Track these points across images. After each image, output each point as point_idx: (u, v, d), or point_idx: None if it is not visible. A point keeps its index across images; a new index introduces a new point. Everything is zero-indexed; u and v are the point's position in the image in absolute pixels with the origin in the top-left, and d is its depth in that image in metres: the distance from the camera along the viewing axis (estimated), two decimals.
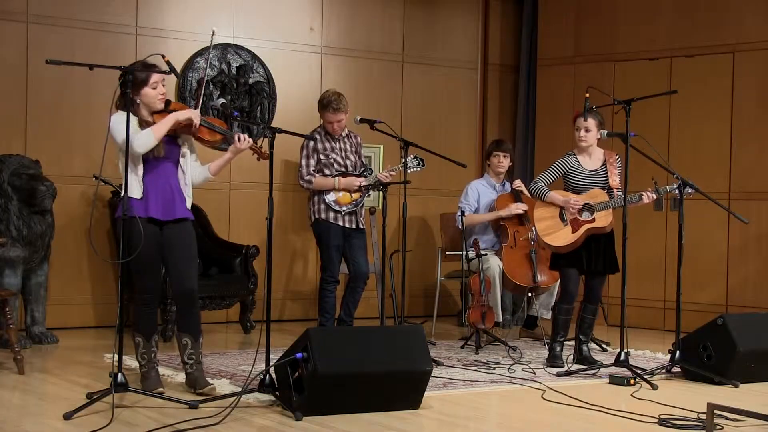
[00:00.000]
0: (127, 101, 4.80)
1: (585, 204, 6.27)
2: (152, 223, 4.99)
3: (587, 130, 6.29)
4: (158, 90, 5.01)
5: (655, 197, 6.20)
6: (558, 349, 6.30)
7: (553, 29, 9.38)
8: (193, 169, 5.19)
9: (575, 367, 6.11)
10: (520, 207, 7.45)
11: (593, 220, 6.23)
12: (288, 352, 4.75)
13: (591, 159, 6.37)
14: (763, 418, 4.34)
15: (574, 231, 6.23)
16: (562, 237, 6.25)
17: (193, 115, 5.00)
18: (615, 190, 6.29)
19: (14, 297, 6.46)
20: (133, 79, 4.86)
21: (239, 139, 5.10)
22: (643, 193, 6.18)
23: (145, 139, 4.87)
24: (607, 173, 6.33)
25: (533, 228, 6.53)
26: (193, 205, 5.19)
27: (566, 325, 6.36)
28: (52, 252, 7.04)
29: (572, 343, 6.53)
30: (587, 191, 6.30)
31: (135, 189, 4.94)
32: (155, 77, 4.98)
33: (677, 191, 6.05)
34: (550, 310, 7.17)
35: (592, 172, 6.34)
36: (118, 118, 4.86)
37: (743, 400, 5.19)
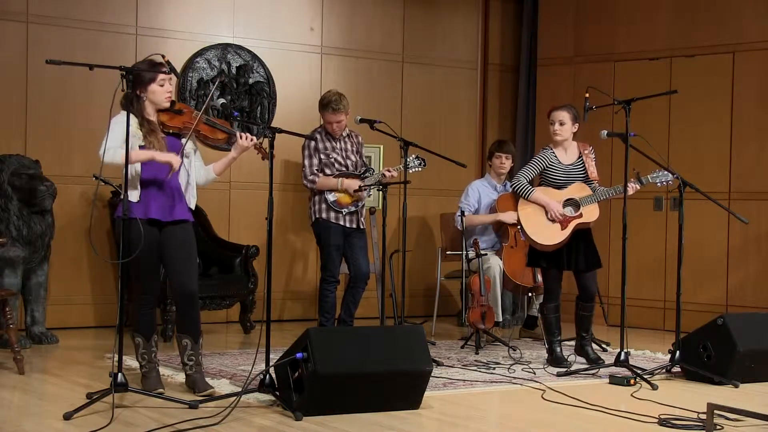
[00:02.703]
0: (128, 102, 4.80)
1: (569, 199, 6.25)
2: (152, 224, 4.98)
3: (561, 124, 6.27)
4: (165, 88, 5.01)
5: (638, 187, 6.19)
6: (559, 350, 6.28)
7: (553, 29, 9.38)
8: (198, 170, 5.19)
9: (576, 366, 6.11)
10: None
11: (581, 215, 6.21)
12: (288, 352, 4.75)
13: (567, 153, 6.35)
14: (763, 418, 4.34)
15: (563, 228, 6.20)
16: (552, 235, 6.20)
17: (174, 160, 4.92)
18: (596, 182, 6.29)
19: (14, 297, 6.46)
20: (139, 77, 4.87)
21: (242, 137, 5.09)
22: (628, 185, 6.16)
23: (116, 158, 4.77)
24: (584, 166, 6.31)
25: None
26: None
27: (558, 323, 6.34)
28: (52, 252, 7.04)
29: (570, 343, 6.53)
30: (566, 186, 6.28)
31: (132, 192, 4.93)
32: (162, 75, 4.98)
33: (677, 190, 6.05)
34: (539, 312, 7.15)
35: (570, 166, 6.32)
36: (118, 119, 4.85)
37: (743, 400, 5.19)
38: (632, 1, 8.93)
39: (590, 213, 6.21)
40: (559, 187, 6.28)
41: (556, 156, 6.31)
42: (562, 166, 6.30)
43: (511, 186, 6.60)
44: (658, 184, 6.23)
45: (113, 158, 4.78)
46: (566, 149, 6.34)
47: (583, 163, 6.30)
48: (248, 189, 8.37)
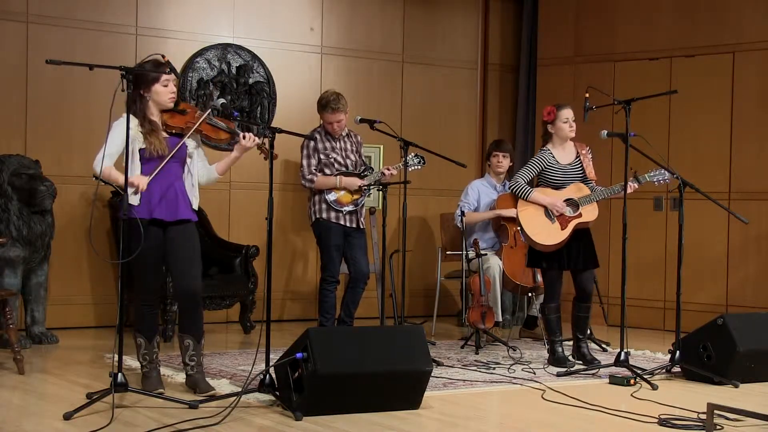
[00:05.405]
0: (129, 102, 4.79)
1: (568, 199, 6.26)
2: (156, 224, 4.98)
3: (574, 120, 6.30)
4: (169, 88, 5.01)
5: (636, 186, 6.21)
6: (561, 350, 6.28)
7: (553, 29, 9.38)
8: (200, 169, 5.19)
9: (576, 366, 6.11)
10: None
11: (580, 215, 6.22)
12: (288, 352, 4.75)
13: (565, 153, 6.37)
14: (763, 418, 4.34)
15: (563, 228, 6.21)
16: (553, 236, 6.21)
17: (141, 183, 4.87)
18: (593, 182, 6.31)
19: (14, 297, 6.46)
20: (143, 77, 4.86)
21: (245, 137, 5.09)
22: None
23: (111, 176, 4.94)
24: (582, 165, 6.32)
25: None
26: None
27: (559, 323, 6.34)
28: (52, 252, 7.04)
29: (569, 343, 6.52)
30: (565, 186, 6.29)
31: (133, 195, 4.90)
32: (165, 75, 4.97)
33: (677, 190, 6.05)
34: (539, 312, 7.14)
35: (568, 166, 6.33)
36: (119, 122, 4.85)
37: (743, 400, 5.19)
38: (632, 1, 8.93)
39: (589, 213, 6.22)
40: (557, 188, 6.29)
41: (554, 156, 6.32)
42: (560, 166, 6.30)
43: (509, 187, 6.61)
44: (656, 183, 6.25)
45: (108, 177, 4.92)
46: (565, 149, 6.35)
47: (581, 163, 6.32)
48: (248, 189, 8.37)
